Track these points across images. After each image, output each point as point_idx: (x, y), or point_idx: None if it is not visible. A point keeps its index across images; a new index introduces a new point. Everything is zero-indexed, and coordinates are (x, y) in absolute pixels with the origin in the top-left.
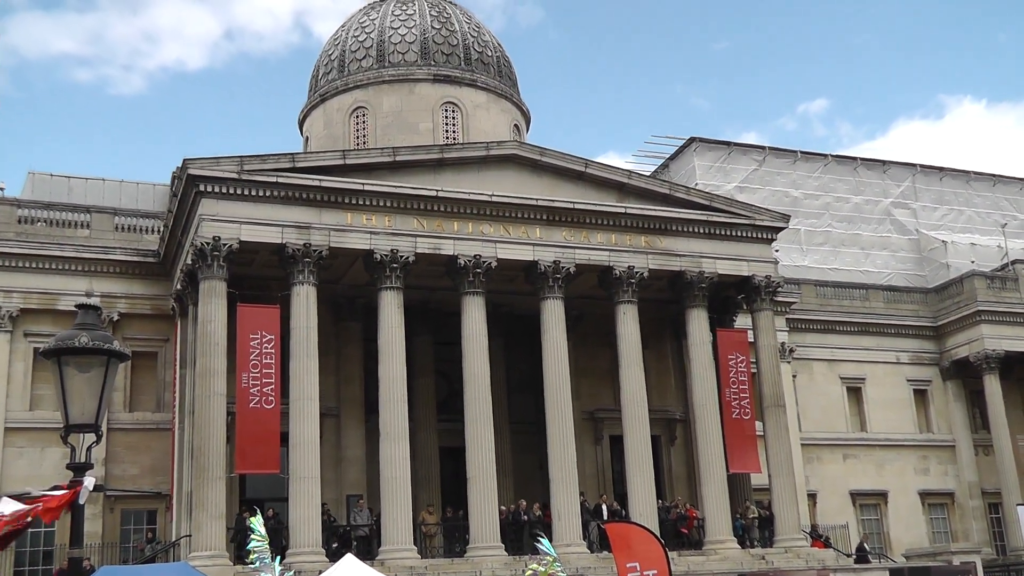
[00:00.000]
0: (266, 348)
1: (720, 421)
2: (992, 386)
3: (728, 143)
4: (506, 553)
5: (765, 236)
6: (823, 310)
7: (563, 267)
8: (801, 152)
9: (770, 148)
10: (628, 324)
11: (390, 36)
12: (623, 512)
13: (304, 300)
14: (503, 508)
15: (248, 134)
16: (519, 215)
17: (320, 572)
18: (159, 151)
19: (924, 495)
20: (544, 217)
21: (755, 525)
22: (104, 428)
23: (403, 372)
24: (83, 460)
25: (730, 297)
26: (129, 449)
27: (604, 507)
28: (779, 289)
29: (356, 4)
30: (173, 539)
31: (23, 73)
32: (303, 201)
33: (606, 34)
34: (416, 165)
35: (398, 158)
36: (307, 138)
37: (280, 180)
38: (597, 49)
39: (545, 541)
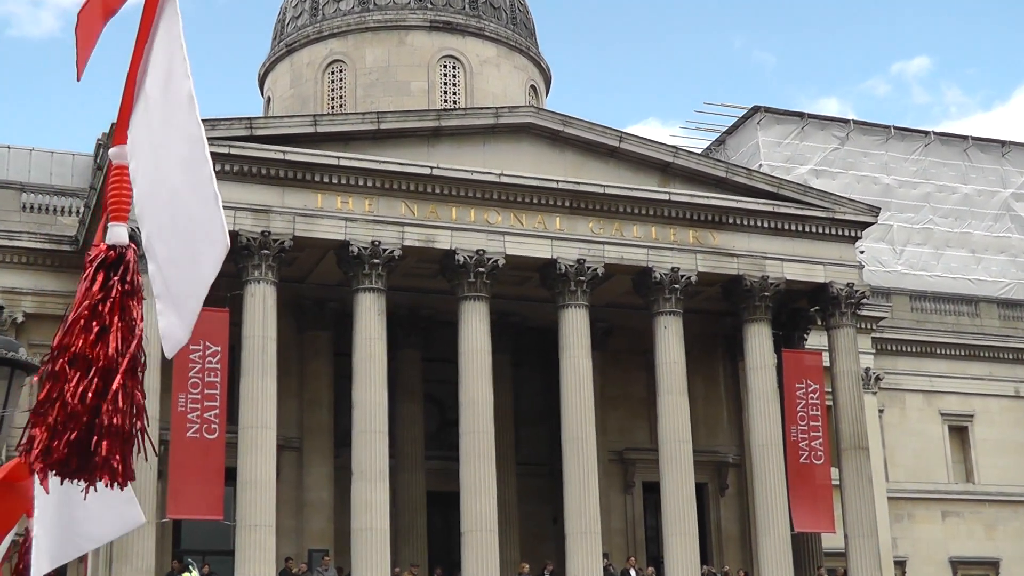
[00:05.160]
0: (210, 362)
1: (784, 466)
2: None
3: (801, 114)
4: None
5: (847, 233)
6: (920, 328)
7: (589, 267)
8: (895, 127)
9: (855, 121)
10: (670, 341)
11: None
12: None
13: (260, 303)
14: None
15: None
16: (535, 200)
17: None
18: (79, 112)
19: None
20: (566, 204)
21: None
22: (3, 456)
23: (384, 395)
24: None
25: (800, 310)
26: None
27: (633, 572)
28: (864, 300)
29: None
30: None
31: None
32: (262, 178)
33: None
34: (406, 135)
35: (383, 126)
36: (269, 99)
37: (233, 151)
38: None
39: None
